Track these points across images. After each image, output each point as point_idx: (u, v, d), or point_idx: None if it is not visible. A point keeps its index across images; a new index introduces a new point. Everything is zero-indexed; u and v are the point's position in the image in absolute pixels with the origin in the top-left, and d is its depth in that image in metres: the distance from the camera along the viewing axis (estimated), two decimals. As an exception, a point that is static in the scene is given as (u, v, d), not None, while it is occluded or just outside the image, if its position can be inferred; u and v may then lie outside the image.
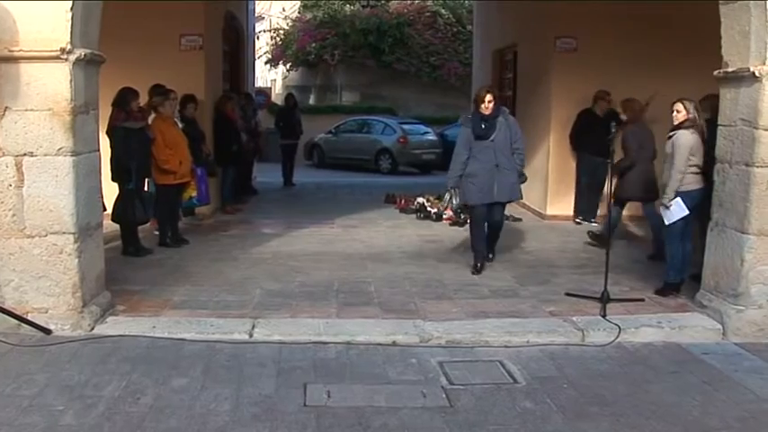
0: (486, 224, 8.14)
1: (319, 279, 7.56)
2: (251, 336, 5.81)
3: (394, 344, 5.75)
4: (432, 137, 23.51)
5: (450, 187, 8.18)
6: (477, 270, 7.88)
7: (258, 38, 25.57)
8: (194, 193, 9.49)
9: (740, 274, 6.19)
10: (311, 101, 30.95)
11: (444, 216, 11.28)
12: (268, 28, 32.69)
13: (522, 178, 8.27)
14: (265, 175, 16.35)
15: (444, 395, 4.86)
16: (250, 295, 6.91)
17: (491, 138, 7.80)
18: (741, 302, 6.20)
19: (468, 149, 7.90)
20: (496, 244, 8.53)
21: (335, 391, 4.87)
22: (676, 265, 7.20)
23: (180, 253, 8.69)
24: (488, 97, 7.82)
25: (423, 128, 24.15)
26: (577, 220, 11.25)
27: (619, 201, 8.53)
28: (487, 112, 7.82)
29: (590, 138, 10.77)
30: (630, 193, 8.56)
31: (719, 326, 6.24)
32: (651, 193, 8.13)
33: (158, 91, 9.02)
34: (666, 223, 7.05)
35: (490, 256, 8.37)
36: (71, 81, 5.63)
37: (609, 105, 10.77)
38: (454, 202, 8.30)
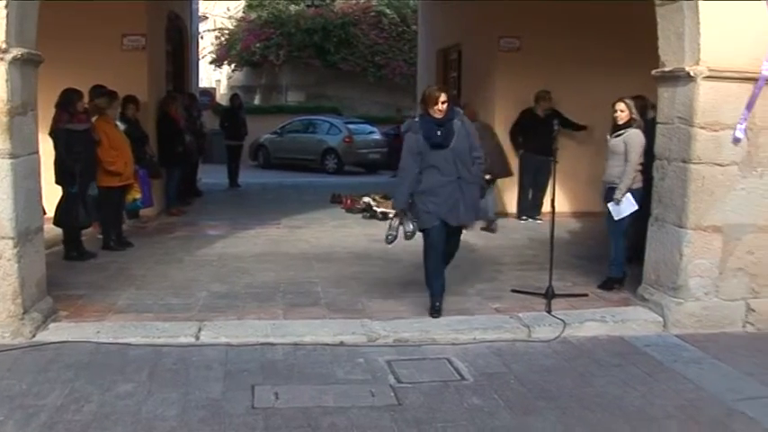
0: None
1: (266, 280, 7.53)
2: (197, 338, 5.75)
3: (341, 344, 5.75)
4: (377, 136, 23.57)
5: (400, 209, 6.48)
6: (436, 312, 6.40)
7: (202, 38, 25.33)
8: (138, 195, 9.35)
9: (679, 268, 6.34)
10: (256, 101, 30.82)
11: (390, 215, 11.28)
12: (212, 28, 32.40)
13: (482, 192, 7.26)
14: (210, 176, 16.21)
15: (392, 393, 4.88)
16: (196, 298, 6.85)
17: (450, 145, 6.34)
18: (680, 295, 6.35)
19: (418, 161, 6.32)
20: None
21: (283, 392, 4.85)
22: (620, 259, 7.35)
23: (124, 256, 8.55)
24: (442, 98, 6.35)
25: (368, 127, 24.22)
26: (522, 219, 11.38)
27: None
28: (441, 116, 6.36)
29: (531, 137, 10.95)
30: None
31: (660, 318, 6.38)
32: None
33: (101, 92, 8.87)
34: (616, 218, 7.18)
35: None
36: (7, 81, 5.49)
37: (550, 105, 10.93)
38: (409, 227, 6.31)
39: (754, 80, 6.18)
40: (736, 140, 6.24)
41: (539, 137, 10.50)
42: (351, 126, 23.74)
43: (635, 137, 7.06)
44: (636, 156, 7.02)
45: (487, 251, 9.17)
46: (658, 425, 4.54)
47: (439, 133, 6.32)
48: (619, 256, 7.34)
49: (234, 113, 16.37)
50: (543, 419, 4.57)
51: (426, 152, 6.30)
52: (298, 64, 29.82)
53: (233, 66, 31.23)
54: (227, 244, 9.46)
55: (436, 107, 6.35)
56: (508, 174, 10.79)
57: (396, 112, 22.15)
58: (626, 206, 7.06)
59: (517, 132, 11.36)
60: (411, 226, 6.30)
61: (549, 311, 6.46)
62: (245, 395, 4.77)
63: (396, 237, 6.32)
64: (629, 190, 7.04)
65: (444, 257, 6.58)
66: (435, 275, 6.51)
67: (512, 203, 11.71)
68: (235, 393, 4.79)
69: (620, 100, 7.25)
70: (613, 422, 4.56)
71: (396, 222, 6.39)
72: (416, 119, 6.65)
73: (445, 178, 6.29)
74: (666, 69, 6.50)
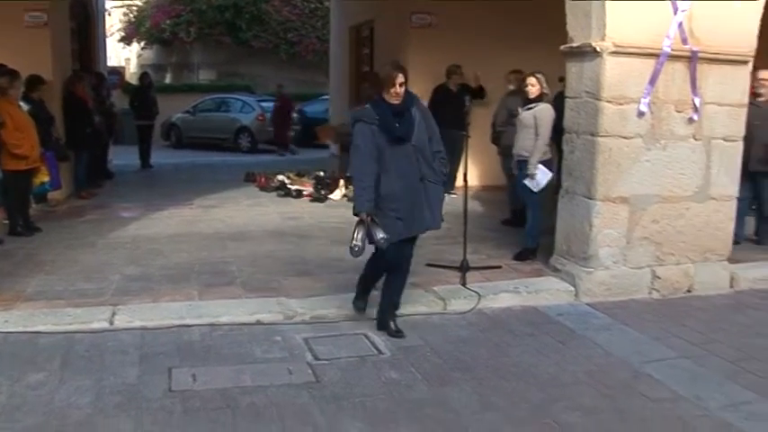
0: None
1: (180, 261, 7.42)
2: (111, 323, 5.63)
3: (258, 323, 5.73)
4: (291, 114, 23.35)
5: (366, 214, 5.16)
6: (397, 332, 5.51)
7: (109, 14, 24.65)
8: (46, 179, 9.06)
9: (589, 238, 6.52)
10: (167, 80, 30.19)
11: (304, 192, 11.29)
12: (120, 4, 31.49)
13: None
14: (121, 157, 15.83)
15: (310, 371, 4.89)
16: (109, 281, 6.70)
17: (412, 140, 5.29)
18: (591, 265, 6.54)
19: (376, 158, 5.21)
20: None
21: (201, 373, 4.81)
22: (535, 231, 7.52)
23: (32, 241, 8.29)
24: (400, 78, 5.19)
25: (282, 105, 23.95)
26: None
27: None
28: (398, 101, 5.26)
29: (445, 112, 11.03)
30: None
31: (572, 288, 6.56)
32: None
33: (2, 71, 8.54)
34: (536, 191, 7.35)
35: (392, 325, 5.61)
36: None
37: (461, 79, 11.04)
38: (379, 235, 5.11)
39: (657, 56, 6.38)
40: (641, 114, 6.44)
41: (451, 111, 10.61)
42: (264, 104, 23.46)
43: (545, 111, 7.21)
44: (545, 130, 7.19)
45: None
46: (570, 390, 4.68)
47: (398, 124, 5.25)
48: (534, 227, 7.52)
49: (144, 92, 15.99)
50: (459, 390, 4.66)
51: (384, 148, 5.22)
52: (209, 41, 29.29)
53: (142, 44, 30.47)
54: (141, 226, 9.28)
55: (393, 90, 5.23)
56: None
57: (277, 87, 21.85)
58: (542, 177, 7.24)
59: (432, 108, 11.42)
60: (381, 234, 5.11)
61: (463, 284, 6.56)
62: (162, 378, 4.71)
63: (362, 249, 5.16)
64: (540, 162, 7.21)
65: (393, 275, 5.62)
66: (375, 279, 5.77)
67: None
68: (151, 377, 4.73)
69: (531, 74, 7.40)
70: (528, 390, 4.68)
71: (359, 233, 5.15)
72: (367, 105, 5.41)
73: (408, 180, 5.28)
74: (574, 45, 6.65)
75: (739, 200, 7.21)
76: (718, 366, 5.14)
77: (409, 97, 5.36)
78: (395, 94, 5.24)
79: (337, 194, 11.15)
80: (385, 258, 5.43)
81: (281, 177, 12.11)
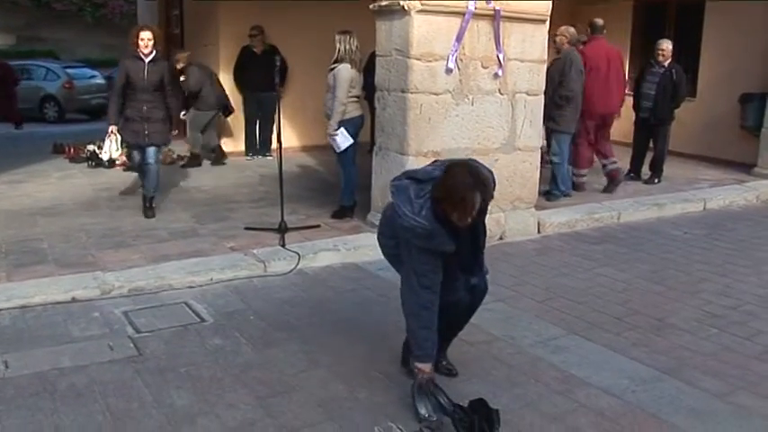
0: None
1: (-16, 242, 6.98)
2: None
3: (73, 300, 5.50)
4: (100, 80, 22.39)
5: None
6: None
7: None
8: None
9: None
10: (-43, 46, 28.07)
11: (117, 162, 10.86)
12: None
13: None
14: None
15: (132, 344, 4.78)
16: None
17: None
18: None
19: None
20: None
21: (14, 359, 4.56)
22: (350, 188, 7.62)
23: None
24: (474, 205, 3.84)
25: (89, 71, 22.95)
26: (248, 157, 11.44)
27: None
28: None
29: (250, 74, 11.02)
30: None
31: (390, 242, 6.71)
32: None
33: None
34: (338, 152, 7.41)
35: None
36: None
37: (264, 41, 10.97)
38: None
39: (463, 15, 6.58)
40: (449, 71, 6.65)
41: (256, 73, 10.68)
42: (70, 71, 22.31)
43: (342, 71, 7.26)
44: (341, 90, 7.23)
45: (219, 190, 9.14)
46: (393, 341, 4.79)
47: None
48: (349, 184, 7.61)
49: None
50: (285, 350, 4.70)
51: None
52: (4, 3, 27.46)
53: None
54: (-64, 207, 8.62)
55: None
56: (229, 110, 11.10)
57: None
58: (342, 140, 7.31)
59: (237, 70, 11.37)
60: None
61: (283, 245, 6.57)
62: (-29, 369, 4.44)
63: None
64: (345, 121, 7.28)
65: None
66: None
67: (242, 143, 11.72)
68: (-43, 368, 4.45)
69: (338, 33, 7.42)
70: (353, 345, 4.78)
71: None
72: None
73: None
74: (383, 4, 6.74)
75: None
76: (529, 307, 5.49)
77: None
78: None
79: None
80: None
81: (91, 147, 11.57)
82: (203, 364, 4.49)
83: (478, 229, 4.19)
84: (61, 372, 4.40)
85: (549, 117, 8.56)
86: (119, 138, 7.94)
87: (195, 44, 12.27)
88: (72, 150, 11.92)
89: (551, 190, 8.69)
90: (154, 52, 7.58)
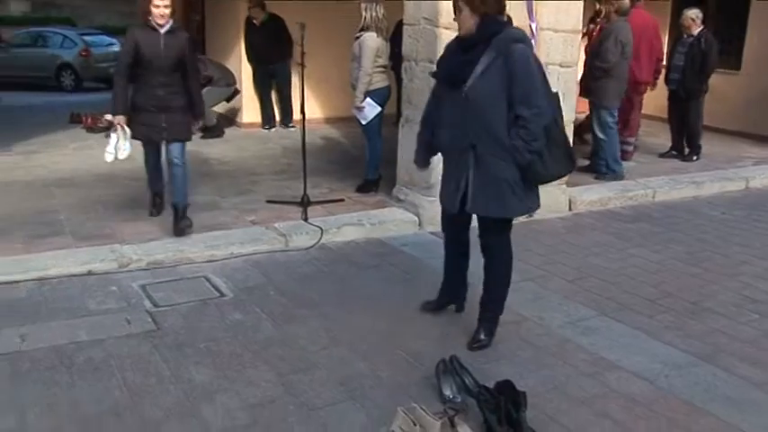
0: None
1: (0, 213, 6.89)
2: None
3: (90, 273, 5.42)
4: (117, 48, 22.22)
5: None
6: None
7: None
8: None
9: (431, 167, 6.53)
10: (-27, 13, 28.04)
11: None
12: None
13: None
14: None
15: (150, 319, 4.70)
16: None
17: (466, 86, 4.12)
18: (433, 194, 6.52)
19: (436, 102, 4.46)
20: None
21: (31, 332, 4.49)
22: (375, 162, 7.49)
23: None
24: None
25: (107, 39, 22.78)
26: (265, 128, 11.33)
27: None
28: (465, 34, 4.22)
29: (253, 46, 10.91)
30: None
31: (415, 218, 6.61)
32: None
33: None
34: (363, 123, 7.27)
35: None
36: None
37: (263, 10, 10.77)
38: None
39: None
40: (479, 40, 6.46)
41: (261, 44, 10.67)
42: (87, 38, 22.19)
43: (368, 40, 7.08)
44: (367, 60, 7.07)
45: (242, 162, 9.01)
46: (417, 319, 4.73)
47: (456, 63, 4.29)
48: (374, 158, 7.48)
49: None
50: (306, 326, 4.62)
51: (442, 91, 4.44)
52: (20, -29, 27.42)
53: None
54: (-50, 177, 8.55)
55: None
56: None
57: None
58: (369, 110, 7.16)
59: (245, 43, 11.26)
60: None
61: (305, 219, 6.46)
62: (-14, 342, 4.36)
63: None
64: (371, 92, 7.13)
65: None
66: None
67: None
68: (-26, 342, 4.37)
69: (359, 3, 7.24)
70: (375, 322, 4.69)
71: None
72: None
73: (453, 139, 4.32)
74: (412, -29, 6.56)
75: None
76: (558, 287, 5.36)
77: (489, 35, 4.10)
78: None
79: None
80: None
81: (109, 117, 11.45)
82: (223, 340, 4.41)
83: None
84: (78, 345, 4.33)
85: (587, 90, 8.36)
86: (128, 132, 6.22)
87: (215, 18, 12.12)
88: (89, 120, 11.82)
89: (598, 167, 8.46)
90: (171, 21, 6.06)
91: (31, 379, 3.94)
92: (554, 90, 4.28)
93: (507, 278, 4.40)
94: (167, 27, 5.99)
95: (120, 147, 6.26)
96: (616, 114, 8.46)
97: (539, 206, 4.34)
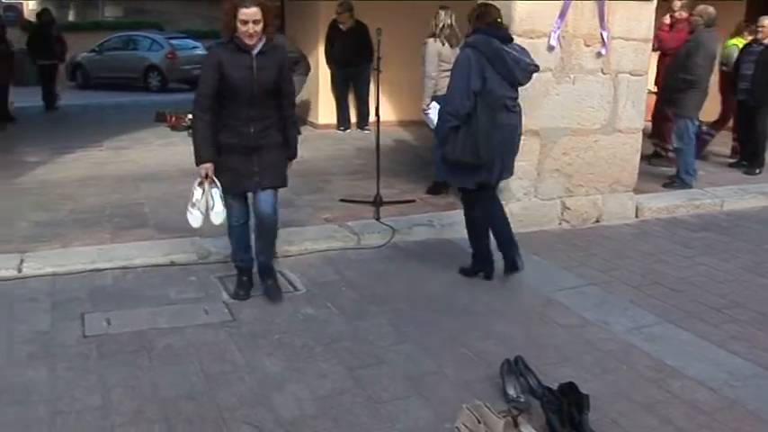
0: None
1: (90, 205, 7.23)
2: (20, 271, 5.47)
3: (172, 264, 5.68)
4: (201, 51, 22.78)
5: None
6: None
7: (4, -52, 23.44)
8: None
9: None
10: (70, 17, 29.06)
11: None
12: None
13: None
14: (24, 99, 15.18)
15: (227, 309, 4.89)
16: (15, 228, 6.48)
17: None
18: (502, 197, 6.62)
19: None
20: None
21: (115, 317, 4.75)
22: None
23: (-68, 188, 7.95)
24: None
25: (191, 42, 23.46)
26: (340, 129, 11.55)
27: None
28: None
29: (337, 50, 11.06)
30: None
31: (485, 220, 6.66)
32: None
33: None
34: (432, 127, 7.37)
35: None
36: None
37: (351, 17, 10.93)
38: None
39: (568, -10, 6.43)
40: (551, 48, 6.51)
41: (341, 49, 10.89)
42: (173, 42, 22.90)
43: (429, 46, 7.24)
44: (429, 65, 7.21)
45: (316, 162, 9.20)
46: (484, 319, 4.81)
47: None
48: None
49: (44, 30, 15.32)
50: (376, 323, 4.73)
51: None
52: (113, -24, 28.31)
53: (41, -21, 29.21)
54: (48, 170, 8.97)
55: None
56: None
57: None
58: (434, 113, 7.26)
59: (326, 46, 11.43)
60: None
61: (377, 219, 6.60)
62: (76, 325, 4.63)
63: None
64: (439, 96, 7.23)
65: None
66: None
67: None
68: (64, 324, 4.64)
69: (441, 8, 7.37)
70: (442, 320, 4.78)
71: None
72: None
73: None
74: (485, -21, 6.63)
75: None
76: (624, 292, 5.36)
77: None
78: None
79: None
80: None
81: (191, 116, 11.83)
82: (295, 333, 4.57)
83: None
84: (159, 332, 4.55)
85: (668, 100, 8.28)
86: (218, 185, 4.86)
87: (294, 19, 12.33)
88: (173, 119, 12.21)
89: (674, 177, 8.38)
90: (264, 39, 4.71)
91: (116, 361, 4.17)
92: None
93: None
94: (260, 47, 4.69)
95: (211, 206, 4.90)
96: (697, 125, 8.39)
97: (470, 185, 5.31)
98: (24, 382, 3.94)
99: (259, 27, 4.58)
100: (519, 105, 5.24)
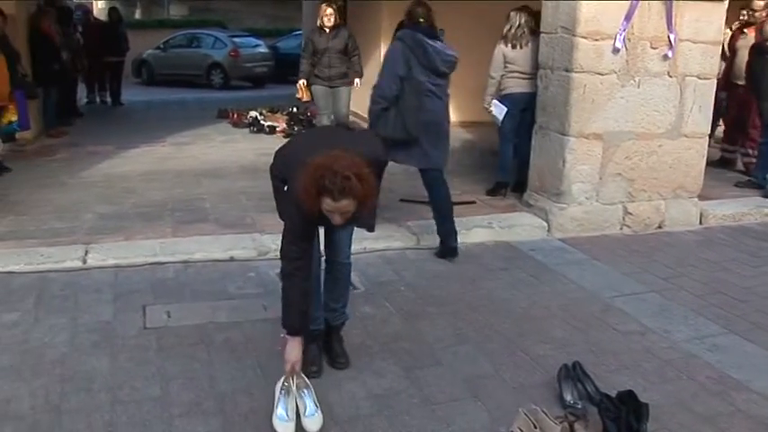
0: None
1: (153, 199, 7.37)
2: (84, 262, 5.60)
3: (232, 259, 5.73)
4: (263, 49, 23.13)
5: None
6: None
7: (74, -53, 23.96)
8: (14, 118, 8.87)
9: (562, 174, 6.55)
10: (137, 15, 29.62)
11: (278, 129, 11.21)
12: (85, -64, 30.64)
13: None
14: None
15: (285, 306, 4.92)
16: (81, 220, 6.65)
17: None
18: (563, 200, 6.58)
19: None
20: None
21: (175, 310, 4.82)
22: (506, 164, 7.56)
23: (2, 182, 8.16)
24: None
25: (254, 41, 23.70)
26: None
27: None
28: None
29: None
30: None
31: (545, 223, 6.61)
32: None
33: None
34: (498, 126, 7.39)
35: None
36: None
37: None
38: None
39: (633, -8, 6.33)
40: (616, 50, 6.42)
41: None
42: (236, 40, 23.17)
43: (495, 50, 7.33)
44: (491, 66, 7.36)
45: (377, 163, 9.20)
46: (542, 323, 4.75)
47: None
48: (505, 161, 7.54)
49: (112, 28, 15.68)
50: (434, 324, 4.71)
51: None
52: (178, -25, 28.76)
53: (110, -22, 29.80)
54: (113, 164, 9.18)
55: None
56: None
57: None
58: (497, 111, 7.28)
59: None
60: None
61: (437, 220, 6.58)
62: (137, 316, 4.71)
63: None
64: (504, 96, 7.25)
65: None
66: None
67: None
68: (126, 315, 4.73)
69: (513, 9, 7.37)
70: (501, 323, 4.73)
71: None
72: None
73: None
74: (550, -20, 6.59)
75: None
76: (686, 300, 5.24)
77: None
78: None
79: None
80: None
81: (253, 113, 11.99)
82: (353, 331, 4.55)
83: None
84: (218, 326, 4.59)
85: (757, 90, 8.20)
86: (310, 387, 3.63)
87: (356, 17, 12.38)
88: (235, 116, 12.39)
89: (758, 178, 8.19)
90: None
91: (175, 353, 4.23)
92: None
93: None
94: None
95: (303, 410, 3.51)
96: None
97: (416, 164, 5.90)
98: (87, 370, 4.02)
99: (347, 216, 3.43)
100: (448, 95, 5.84)
